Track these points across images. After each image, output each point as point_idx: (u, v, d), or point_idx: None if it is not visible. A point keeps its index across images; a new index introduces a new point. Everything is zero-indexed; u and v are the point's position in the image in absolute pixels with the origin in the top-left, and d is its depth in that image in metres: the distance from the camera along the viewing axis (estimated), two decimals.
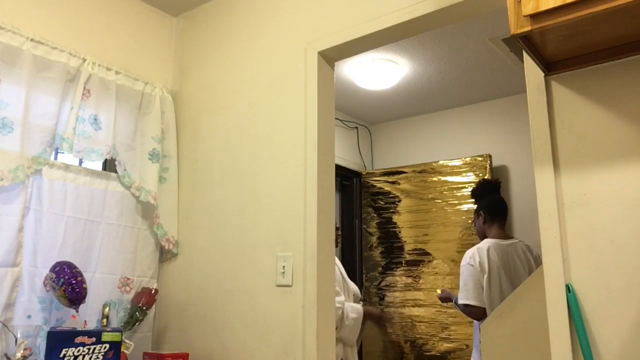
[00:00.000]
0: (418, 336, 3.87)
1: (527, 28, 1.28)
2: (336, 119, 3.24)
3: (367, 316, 2.93)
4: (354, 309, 2.85)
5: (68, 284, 1.99)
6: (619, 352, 1.38)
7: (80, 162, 2.37)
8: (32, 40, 2.14)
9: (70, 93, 2.26)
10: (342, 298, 2.80)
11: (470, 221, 3.28)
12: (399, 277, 4.03)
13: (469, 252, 2.89)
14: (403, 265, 4.04)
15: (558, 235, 1.51)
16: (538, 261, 2.88)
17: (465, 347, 3.66)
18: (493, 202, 3.04)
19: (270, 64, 2.37)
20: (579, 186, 1.51)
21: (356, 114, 4.38)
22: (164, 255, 2.55)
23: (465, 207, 3.82)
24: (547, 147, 1.56)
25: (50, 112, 2.18)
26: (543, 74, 1.60)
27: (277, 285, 2.12)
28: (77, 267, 2.06)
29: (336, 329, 2.62)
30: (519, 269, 2.84)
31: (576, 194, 1.51)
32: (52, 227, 2.15)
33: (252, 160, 2.34)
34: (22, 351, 1.90)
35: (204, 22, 2.73)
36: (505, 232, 3.03)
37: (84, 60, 2.32)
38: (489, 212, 3.01)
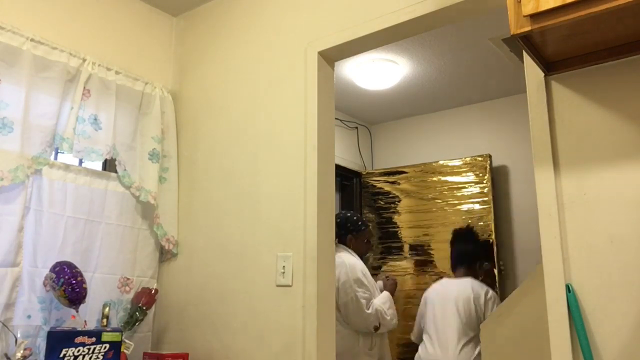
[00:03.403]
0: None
1: (527, 28, 1.28)
2: (336, 119, 3.24)
3: (392, 293, 3.15)
4: (384, 300, 3.02)
5: (68, 284, 1.98)
6: (619, 352, 1.38)
7: (80, 162, 2.37)
8: (32, 40, 2.14)
9: (70, 93, 2.26)
10: (372, 297, 2.99)
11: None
12: (399, 277, 4.02)
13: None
14: (403, 265, 4.04)
15: (558, 235, 1.51)
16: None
17: None
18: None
19: (271, 64, 2.37)
20: (579, 186, 1.51)
21: (356, 114, 4.38)
22: (164, 255, 2.55)
23: (465, 207, 3.82)
24: (547, 147, 1.56)
25: (50, 112, 2.18)
26: (543, 74, 1.60)
27: (277, 285, 2.12)
28: (77, 267, 2.06)
29: (378, 328, 2.89)
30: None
31: (576, 194, 1.51)
32: (52, 227, 2.15)
33: (252, 160, 2.34)
34: (22, 351, 1.89)
35: (204, 22, 2.73)
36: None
37: (84, 60, 2.32)
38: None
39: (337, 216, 3.18)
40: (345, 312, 2.87)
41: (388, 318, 2.95)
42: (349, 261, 2.96)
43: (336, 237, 3.08)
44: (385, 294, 3.07)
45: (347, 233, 3.08)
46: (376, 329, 2.92)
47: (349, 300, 2.85)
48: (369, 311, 2.87)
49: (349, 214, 3.21)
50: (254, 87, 2.42)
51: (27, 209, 2.08)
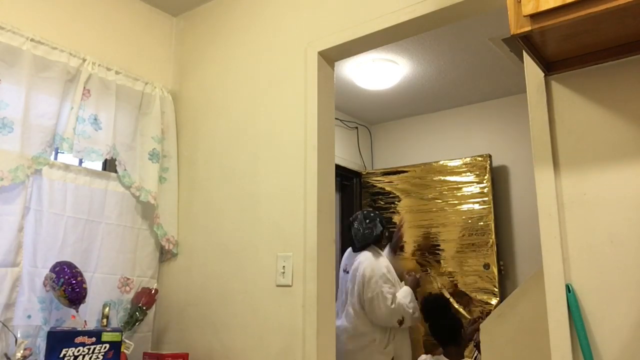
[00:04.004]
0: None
1: (527, 28, 1.28)
2: (336, 119, 3.25)
3: (414, 289, 3.22)
4: (405, 294, 3.11)
5: (68, 284, 1.98)
6: (619, 352, 1.38)
7: (80, 162, 2.37)
8: (32, 40, 2.14)
9: (70, 93, 2.26)
10: (396, 292, 3.09)
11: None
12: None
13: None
14: (402, 265, 4.04)
15: (558, 235, 1.51)
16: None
17: None
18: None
19: (271, 64, 2.37)
20: (579, 186, 1.51)
21: (356, 114, 4.38)
22: (164, 255, 2.55)
23: (465, 207, 3.82)
24: (547, 147, 1.56)
25: (50, 112, 2.18)
26: (543, 74, 1.60)
27: (277, 285, 2.12)
28: (77, 267, 2.06)
29: (402, 322, 2.99)
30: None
31: (576, 194, 1.51)
32: (52, 227, 2.15)
33: (252, 160, 2.34)
34: (22, 351, 1.89)
35: (204, 22, 2.73)
36: None
37: (84, 60, 2.32)
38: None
39: (371, 214, 3.32)
40: (371, 307, 2.99)
41: (410, 311, 3.05)
42: (374, 258, 3.14)
43: (373, 236, 3.20)
44: (406, 288, 3.17)
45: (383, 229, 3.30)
46: (400, 323, 3.02)
47: (374, 295, 2.99)
48: (393, 306, 2.99)
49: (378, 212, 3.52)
50: (254, 87, 2.42)
51: (27, 209, 2.08)
